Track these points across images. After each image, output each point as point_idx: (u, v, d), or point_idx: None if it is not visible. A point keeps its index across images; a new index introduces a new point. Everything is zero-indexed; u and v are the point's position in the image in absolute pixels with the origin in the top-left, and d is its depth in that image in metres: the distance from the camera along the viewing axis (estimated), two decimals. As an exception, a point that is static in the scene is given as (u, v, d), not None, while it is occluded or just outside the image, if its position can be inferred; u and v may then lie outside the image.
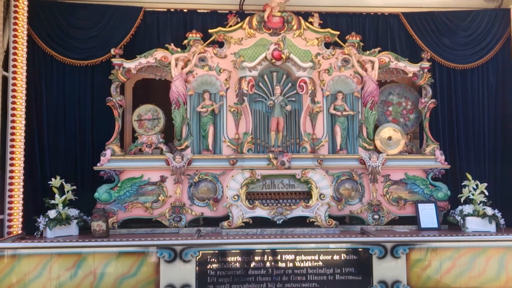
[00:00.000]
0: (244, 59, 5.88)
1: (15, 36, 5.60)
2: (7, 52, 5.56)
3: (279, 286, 5.20)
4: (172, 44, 6.10)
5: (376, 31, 6.67)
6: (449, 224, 6.00)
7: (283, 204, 5.75)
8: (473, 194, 5.85)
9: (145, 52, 6.06)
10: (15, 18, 5.58)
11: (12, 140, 5.50)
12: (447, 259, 5.29)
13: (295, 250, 5.25)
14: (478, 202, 5.81)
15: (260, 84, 6.08)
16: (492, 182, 6.40)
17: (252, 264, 5.21)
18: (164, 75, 6.19)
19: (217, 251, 5.20)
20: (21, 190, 5.61)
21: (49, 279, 5.01)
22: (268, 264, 5.22)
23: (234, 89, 5.98)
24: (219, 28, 6.15)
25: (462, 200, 5.92)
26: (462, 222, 5.80)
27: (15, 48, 5.59)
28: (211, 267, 5.16)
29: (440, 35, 6.60)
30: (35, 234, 5.47)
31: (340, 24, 6.59)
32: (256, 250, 5.25)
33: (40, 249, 5.09)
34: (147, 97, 6.65)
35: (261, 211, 5.72)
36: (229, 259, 5.20)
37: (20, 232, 5.53)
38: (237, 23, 6.20)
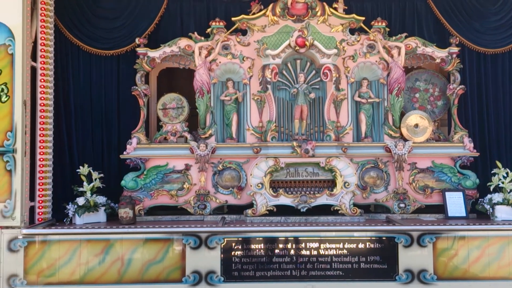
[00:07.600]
0: (267, 47, 5.83)
1: (42, 27, 5.67)
2: (35, 43, 5.64)
3: (304, 274, 5.21)
4: (195, 33, 6.10)
5: (403, 15, 6.51)
6: (478, 213, 5.88)
7: (307, 192, 5.73)
8: (503, 183, 5.69)
9: (169, 41, 6.09)
10: (42, 9, 5.65)
11: (41, 129, 5.60)
12: (475, 248, 5.19)
13: (319, 238, 5.24)
14: (508, 191, 5.66)
15: (284, 72, 6.03)
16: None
17: (276, 252, 5.23)
18: (188, 64, 6.21)
19: (241, 239, 5.24)
20: (51, 178, 5.73)
21: (79, 264, 5.15)
22: (292, 251, 5.23)
23: (258, 77, 5.96)
24: (242, 16, 6.10)
25: (491, 188, 5.77)
26: (491, 210, 5.66)
27: (42, 38, 5.66)
28: (236, 254, 5.21)
29: (470, 19, 6.39)
30: (64, 220, 5.62)
31: (366, 9, 6.45)
32: (280, 238, 5.27)
33: (70, 235, 5.23)
34: (171, 86, 6.70)
35: (285, 199, 5.71)
36: (253, 246, 5.24)
37: (50, 218, 5.68)
38: (260, 10, 6.13)
